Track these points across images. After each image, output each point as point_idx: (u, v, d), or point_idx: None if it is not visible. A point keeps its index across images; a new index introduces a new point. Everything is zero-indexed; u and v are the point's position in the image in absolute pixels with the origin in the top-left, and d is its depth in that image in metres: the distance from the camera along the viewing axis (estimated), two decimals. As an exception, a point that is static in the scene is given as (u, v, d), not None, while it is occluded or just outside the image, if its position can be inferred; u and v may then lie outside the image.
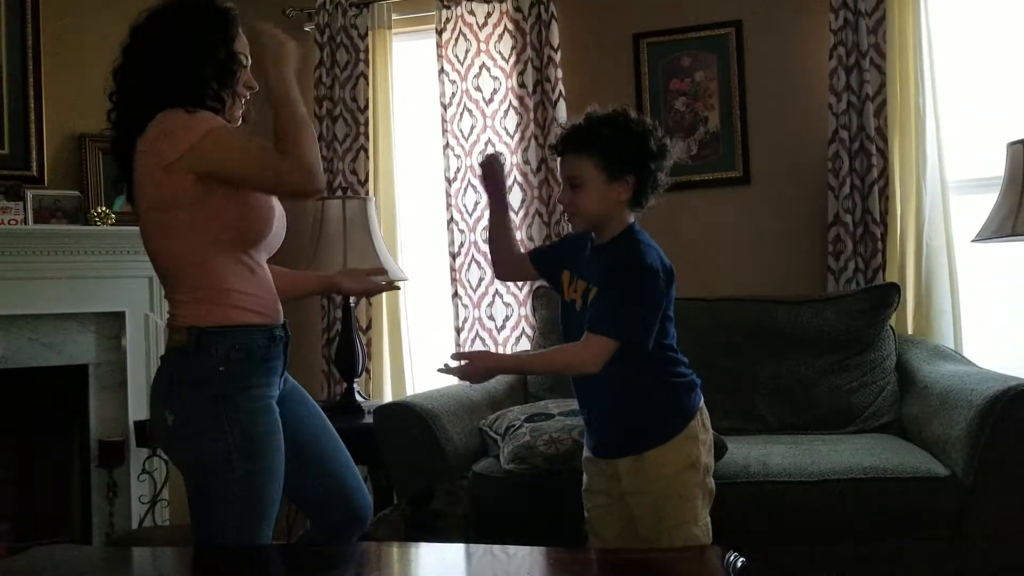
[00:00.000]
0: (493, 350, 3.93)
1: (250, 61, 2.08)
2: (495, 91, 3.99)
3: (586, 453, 2.22)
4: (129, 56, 2.08)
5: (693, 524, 2.05)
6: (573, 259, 2.18)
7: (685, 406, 2.08)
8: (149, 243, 2.01)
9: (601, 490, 2.17)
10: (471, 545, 2.34)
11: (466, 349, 2.39)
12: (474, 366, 2.03)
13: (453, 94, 4.03)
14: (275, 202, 2.08)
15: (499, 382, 3.48)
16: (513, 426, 2.92)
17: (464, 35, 4.02)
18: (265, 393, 2.00)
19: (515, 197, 3.94)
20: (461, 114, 4.02)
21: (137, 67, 2.04)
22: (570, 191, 2.06)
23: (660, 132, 2.08)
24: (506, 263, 2.39)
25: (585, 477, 2.23)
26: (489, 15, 4.00)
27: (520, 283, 3.92)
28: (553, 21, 3.88)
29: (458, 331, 3.99)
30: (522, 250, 2.42)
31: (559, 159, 2.13)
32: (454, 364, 2.04)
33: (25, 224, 3.72)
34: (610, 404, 2.07)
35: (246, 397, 1.97)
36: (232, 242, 1.99)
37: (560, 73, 3.88)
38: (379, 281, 2.44)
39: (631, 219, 2.11)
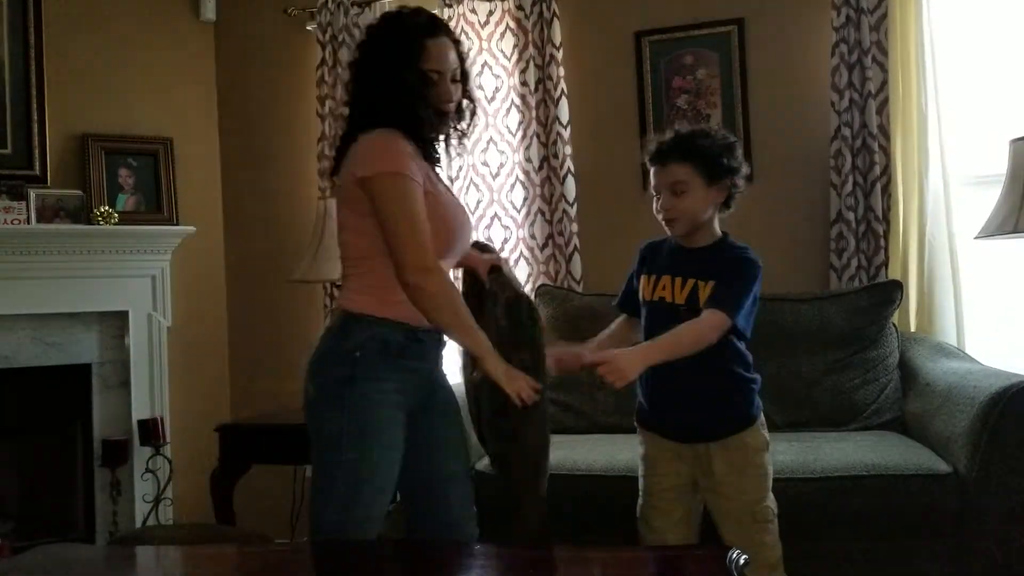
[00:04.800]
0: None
1: (447, 74, 2.15)
2: (497, 89, 3.99)
3: (652, 439, 2.35)
4: (351, 70, 2.26)
5: (767, 499, 2.28)
6: (647, 265, 2.37)
7: (757, 401, 2.31)
8: (340, 234, 2.22)
9: (671, 472, 2.32)
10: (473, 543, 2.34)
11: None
12: (622, 366, 2.11)
13: (455, 92, 4.03)
14: (463, 215, 2.25)
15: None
16: None
17: (466, 33, 4.01)
18: (392, 388, 2.08)
19: (517, 195, 3.95)
20: (463, 112, 4.01)
21: (351, 83, 2.24)
22: (672, 197, 2.25)
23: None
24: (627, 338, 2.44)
25: (649, 464, 2.35)
26: (491, 13, 4.00)
27: (523, 281, 3.93)
28: (555, 19, 3.88)
29: (460, 329, 3.99)
30: (619, 327, 2.47)
31: (657, 169, 2.30)
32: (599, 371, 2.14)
33: (28, 224, 3.73)
34: (708, 392, 2.25)
35: (372, 388, 2.06)
36: None
37: (562, 71, 3.88)
38: None
39: (719, 228, 2.33)
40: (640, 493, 2.37)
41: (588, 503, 2.84)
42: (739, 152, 2.31)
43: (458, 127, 2.26)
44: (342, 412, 2.04)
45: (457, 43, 2.20)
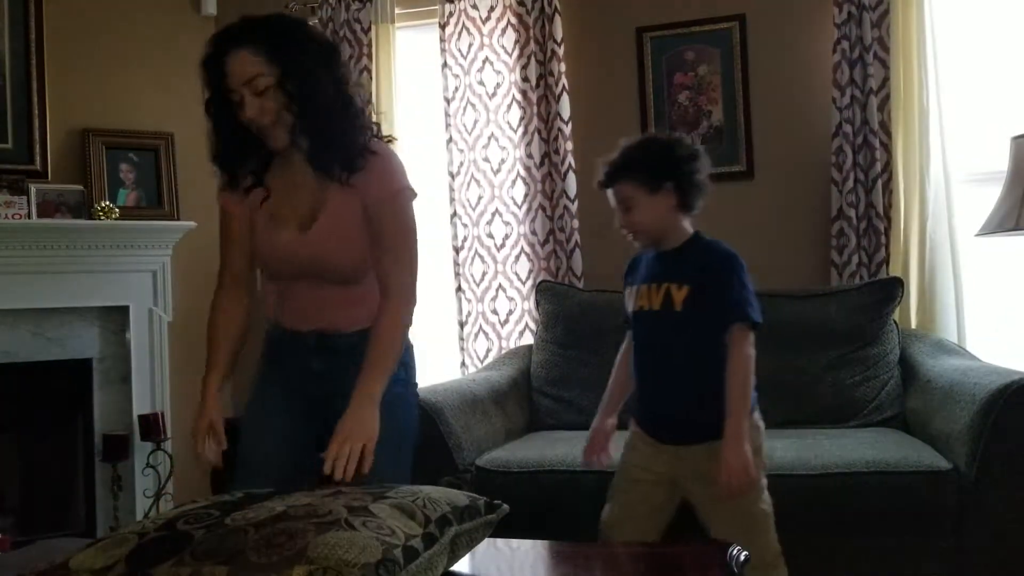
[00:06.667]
0: (497, 344, 3.94)
1: (242, 89, 1.99)
2: (498, 85, 3.99)
3: (639, 432, 2.38)
4: None
5: (760, 500, 2.27)
6: (630, 278, 2.43)
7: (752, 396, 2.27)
8: None
9: (647, 466, 2.34)
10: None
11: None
12: (743, 475, 2.15)
13: (456, 88, 4.03)
14: (267, 239, 2.17)
15: (501, 375, 3.49)
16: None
17: (467, 29, 4.01)
18: (269, 370, 2.26)
19: (518, 191, 3.95)
20: (464, 108, 4.02)
21: None
22: (623, 214, 2.32)
23: (688, 140, 2.35)
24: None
25: (628, 450, 2.40)
26: (492, 9, 3.99)
27: (524, 277, 3.93)
28: (556, 15, 3.88)
29: (461, 325, 3.99)
30: (627, 356, 2.48)
31: (610, 190, 2.35)
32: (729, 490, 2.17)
33: (29, 218, 3.73)
34: (692, 393, 2.26)
35: (260, 370, 2.29)
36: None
37: (563, 67, 3.88)
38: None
39: (690, 227, 2.34)
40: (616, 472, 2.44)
41: (587, 499, 2.84)
42: (683, 150, 2.31)
43: (299, 142, 2.06)
44: None
45: (270, 47, 2.00)
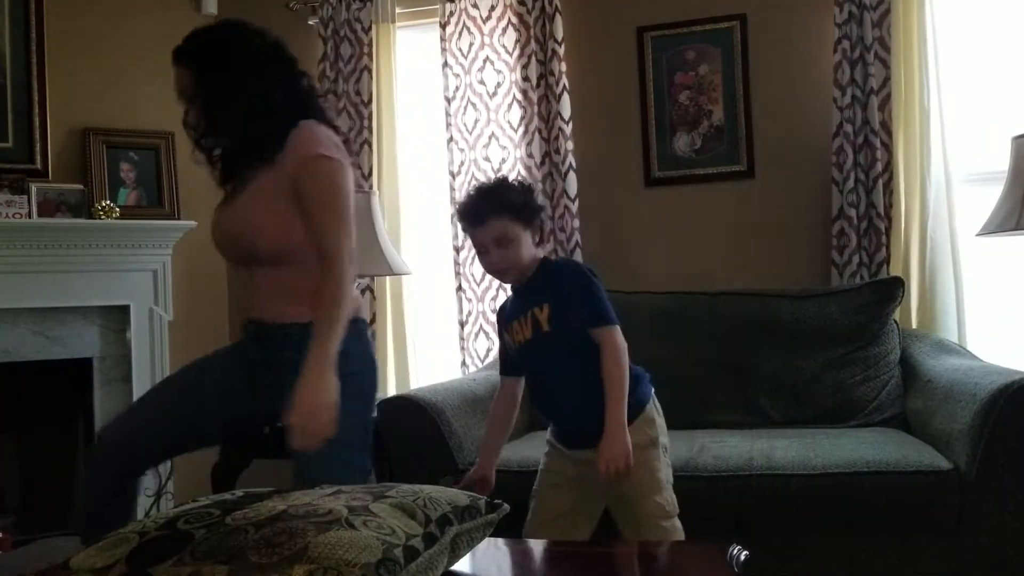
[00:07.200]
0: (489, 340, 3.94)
1: (185, 96, 2.27)
2: (499, 84, 3.99)
3: (556, 446, 2.47)
4: None
5: (658, 494, 2.31)
6: (503, 322, 2.49)
7: (636, 394, 2.34)
8: None
9: (562, 471, 2.42)
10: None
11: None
12: (621, 461, 2.20)
13: (457, 87, 4.03)
14: (216, 219, 2.29)
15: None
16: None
17: (468, 28, 4.01)
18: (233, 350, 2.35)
19: (519, 191, 3.95)
20: (465, 108, 4.02)
21: None
22: (499, 251, 2.34)
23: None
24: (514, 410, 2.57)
25: (546, 468, 2.48)
26: (493, 8, 3.99)
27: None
28: (557, 14, 3.87)
29: (462, 325, 3.99)
30: (499, 401, 2.58)
31: (475, 229, 2.37)
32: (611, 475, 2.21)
33: (29, 218, 3.73)
34: (583, 400, 2.31)
35: None
36: None
37: (564, 67, 3.88)
38: None
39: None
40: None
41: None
42: (537, 192, 2.48)
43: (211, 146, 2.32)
44: None
45: (193, 64, 2.25)
